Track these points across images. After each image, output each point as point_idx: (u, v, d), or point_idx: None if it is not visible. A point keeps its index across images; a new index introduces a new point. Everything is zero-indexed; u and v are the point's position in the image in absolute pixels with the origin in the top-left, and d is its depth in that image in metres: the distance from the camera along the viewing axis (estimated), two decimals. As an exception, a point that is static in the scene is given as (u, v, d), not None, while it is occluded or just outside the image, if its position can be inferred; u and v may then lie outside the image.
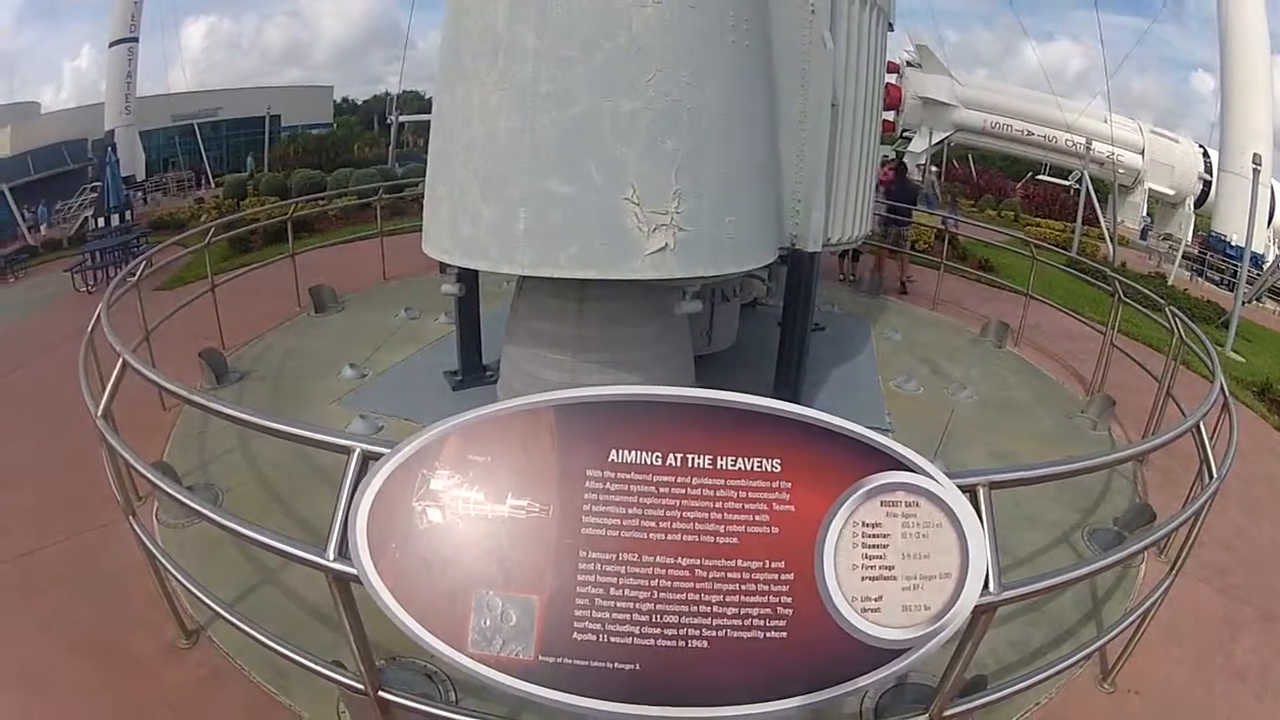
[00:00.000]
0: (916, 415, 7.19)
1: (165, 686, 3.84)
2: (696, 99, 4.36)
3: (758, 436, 2.26)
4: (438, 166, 4.92)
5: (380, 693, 2.59)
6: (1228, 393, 4.44)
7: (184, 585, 3.42)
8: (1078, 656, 3.22)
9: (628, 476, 2.20)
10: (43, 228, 21.60)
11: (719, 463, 2.22)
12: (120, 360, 3.67)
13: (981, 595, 2.26)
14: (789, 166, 5.58)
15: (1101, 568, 2.84)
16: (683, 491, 2.19)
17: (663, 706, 2.11)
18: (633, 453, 2.22)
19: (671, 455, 2.22)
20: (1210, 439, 3.86)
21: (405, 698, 2.62)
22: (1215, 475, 3.62)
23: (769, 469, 2.22)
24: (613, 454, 2.22)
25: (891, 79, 30.90)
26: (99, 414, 3.55)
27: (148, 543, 3.63)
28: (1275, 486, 6.91)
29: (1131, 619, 3.61)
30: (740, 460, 2.22)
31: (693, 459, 2.21)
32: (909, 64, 30.86)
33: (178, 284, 10.97)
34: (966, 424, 7.17)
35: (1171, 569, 3.86)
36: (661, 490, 2.19)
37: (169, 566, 3.56)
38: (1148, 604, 3.67)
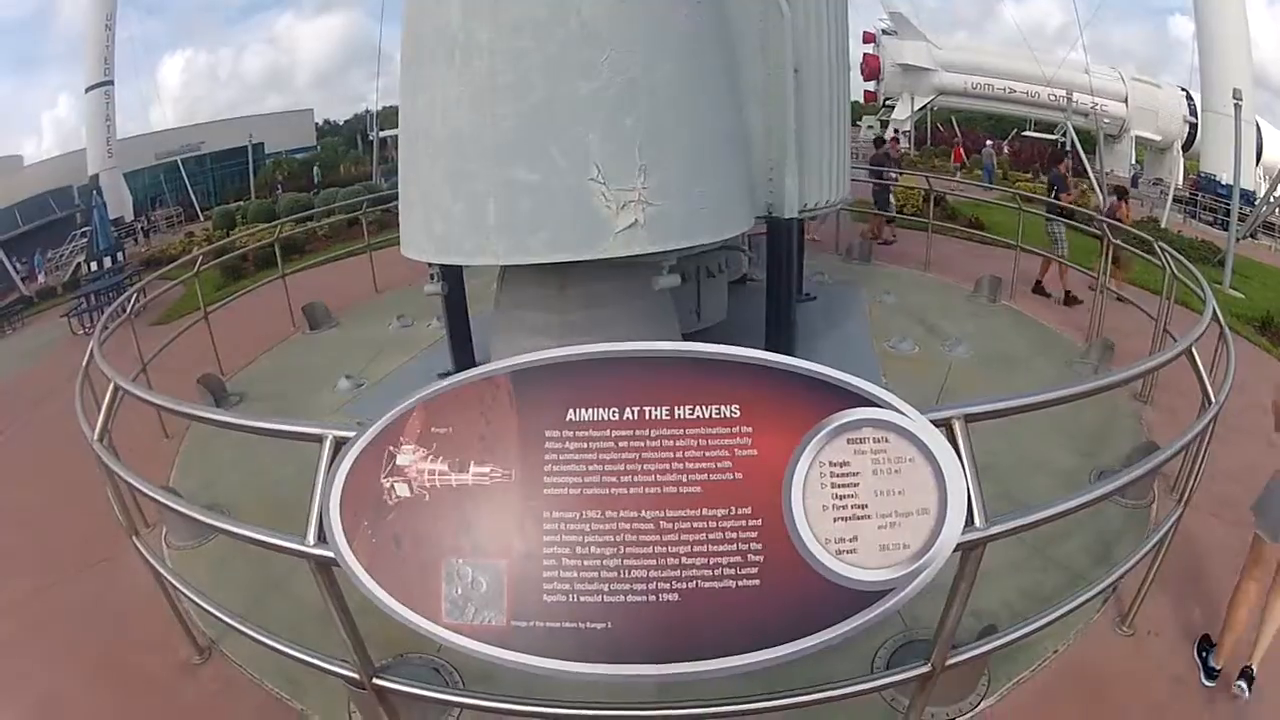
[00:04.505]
0: (913, 374, 7.16)
1: (182, 703, 3.90)
2: (652, 75, 4.36)
3: (714, 384, 2.25)
4: (408, 170, 4.94)
5: (375, 680, 2.61)
6: (1222, 320, 4.37)
7: (194, 602, 3.45)
8: (1085, 596, 3.14)
9: (586, 434, 2.21)
10: (40, 277, 21.75)
11: (676, 413, 2.21)
12: (111, 385, 3.70)
13: (966, 531, 2.21)
14: (756, 134, 5.57)
15: (1097, 498, 2.73)
16: (642, 445, 2.19)
17: (638, 664, 2.10)
18: (590, 410, 2.23)
19: (629, 409, 2.22)
20: (1209, 370, 3.78)
21: (400, 683, 2.64)
22: (1214, 401, 3.56)
23: (728, 415, 2.21)
24: (570, 413, 2.23)
25: (869, 49, 30.96)
26: (95, 438, 3.59)
27: (154, 563, 3.66)
28: (1284, 418, 6.81)
29: (1142, 554, 3.51)
30: (698, 409, 2.22)
31: (650, 411, 2.21)
32: (885, 32, 30.88)
33: (174, 316, 11.04)
34: (964, 379, 7.13)
35: (1180, 501, 3.79)
36: (621, 445, 2.19)
37: (177, 584, 3.59)
38: (1158, 537, 3.62)
